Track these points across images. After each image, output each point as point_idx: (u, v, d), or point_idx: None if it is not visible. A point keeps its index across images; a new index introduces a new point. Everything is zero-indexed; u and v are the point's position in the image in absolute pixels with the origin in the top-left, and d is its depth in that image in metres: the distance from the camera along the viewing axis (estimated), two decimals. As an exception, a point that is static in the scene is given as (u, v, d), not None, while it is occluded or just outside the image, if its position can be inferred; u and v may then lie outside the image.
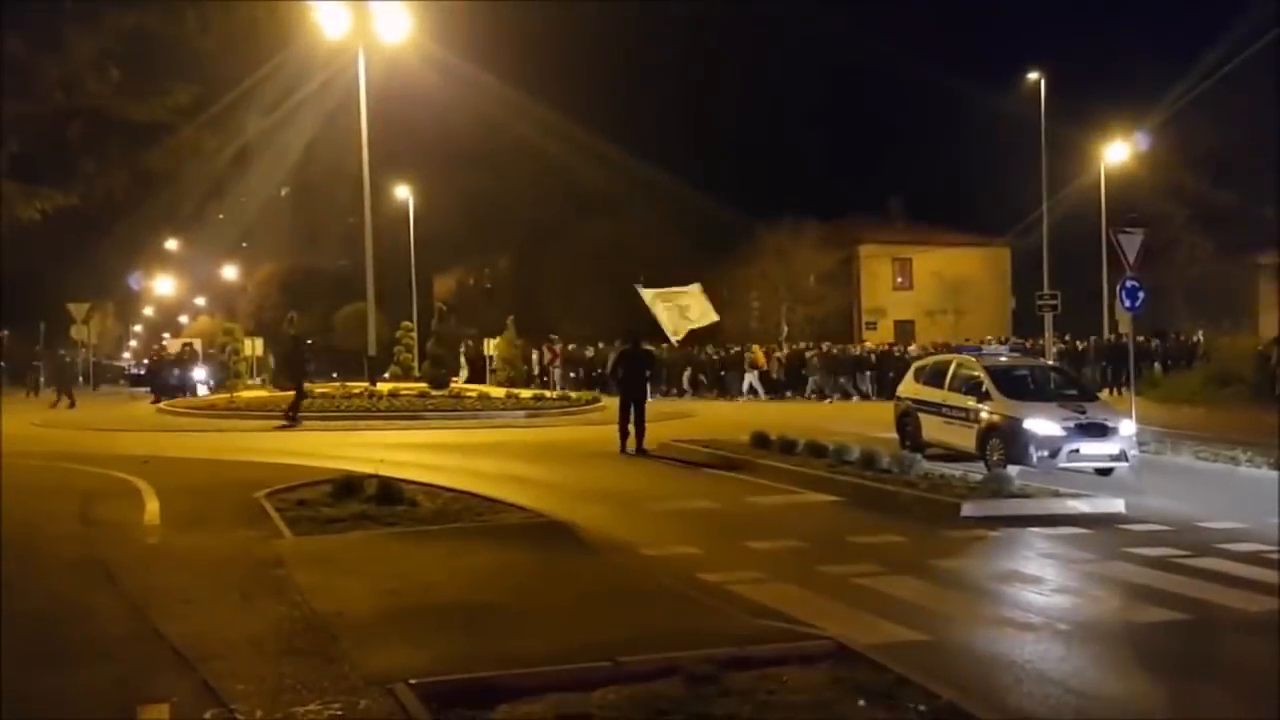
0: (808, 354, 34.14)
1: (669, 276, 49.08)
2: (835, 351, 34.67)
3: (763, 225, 46.08)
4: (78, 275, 43.26)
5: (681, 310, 25.64)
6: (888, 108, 71.14)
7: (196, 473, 13.67)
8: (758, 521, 10.68)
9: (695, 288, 25.16)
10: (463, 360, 39.12)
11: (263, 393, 29.85)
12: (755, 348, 34.67)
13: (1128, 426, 14.47)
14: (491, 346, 39.12)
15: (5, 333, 41.02)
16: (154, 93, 12.96)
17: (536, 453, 16.86)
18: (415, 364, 36.36)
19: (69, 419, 25.01)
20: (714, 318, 24.57)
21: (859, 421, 20.45)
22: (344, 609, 6.60)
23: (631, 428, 16.31)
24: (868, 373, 32.88)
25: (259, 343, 39.40)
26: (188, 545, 8.87)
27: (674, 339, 26.77)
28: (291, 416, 21.15)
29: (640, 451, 16.13)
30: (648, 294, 25.74)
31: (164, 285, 65.93)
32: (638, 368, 17.25)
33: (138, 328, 79.90)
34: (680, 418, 23.30)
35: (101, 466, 13.97)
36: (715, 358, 34.77)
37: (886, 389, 31.49)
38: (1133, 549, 9.33)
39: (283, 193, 66.37)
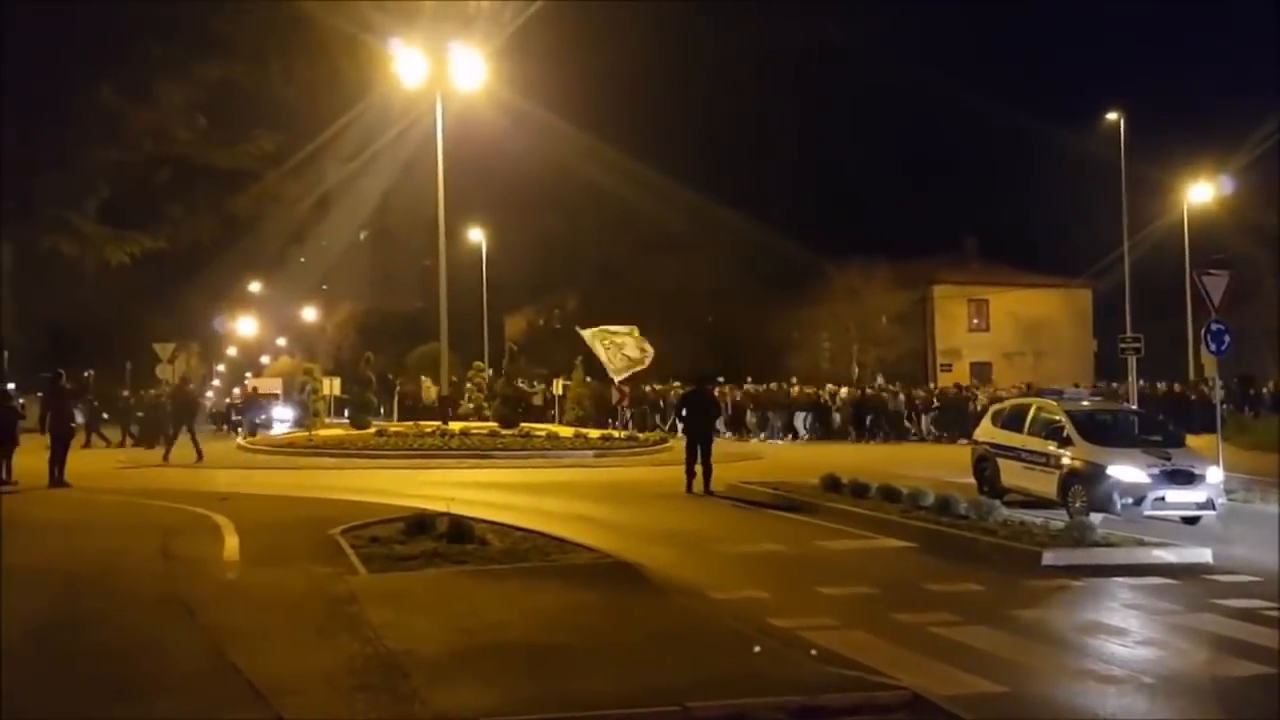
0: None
1: (736, 316, 49.16)
2: (756, 390, 35.16)
3: (833, 265, 45.84)
4: (165, 317, 44.68)
5: (619, 348, 26.88)
6: (962, 147, 70.78)
7: (274, 509, 13.93)
8: (829, 566, 10.52)
9: (630, 329, 26.40)
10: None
11: (339, 431, 30.37)
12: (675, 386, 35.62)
13: (1215, 474, 13.99)
14: (560, 387, 39.43)
15: (91, 372, 42.36)
16: (239, 141, 13.36)
17: (604, 493, 16.87)
18: (486, 404, 36.78)
19: (152, 457, 25.70)
20: (650, 355, 25.69)
21: (934, 465, 20.09)
22: (415, 646, 6.64)
23: (699, 468, 16.28)
24: (802, 414, 33.08)
25: (337, 382, 40.18)
26: (265, 581, 9.03)
27: (616, 379, 27.70)
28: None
29: (707, 493, 16.06)
30: (587, 334, 26.83)
31: (246, 326, 67.74)
32: (703, 410, 17.26)
33: (221, 367, 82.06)
34: (748, 459, 23.13)
35: (182, 503, 14.31)
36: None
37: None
38: (1220, 600, 9.02)
39: (361, 237, 67.99)
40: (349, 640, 6.87)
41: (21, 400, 22.13)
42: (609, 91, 51.34)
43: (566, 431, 29.21)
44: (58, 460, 17.12)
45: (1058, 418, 14.86)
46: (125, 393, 36.42)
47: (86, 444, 28.90)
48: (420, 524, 10.73)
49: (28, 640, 7.08)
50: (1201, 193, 35.32)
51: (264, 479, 19.47)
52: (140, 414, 31.99)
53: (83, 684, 6.16)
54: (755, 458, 24.30)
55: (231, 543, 10.90)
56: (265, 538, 11.15)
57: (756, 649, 6.84)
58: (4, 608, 7.58)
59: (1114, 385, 30.01)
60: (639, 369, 27.64)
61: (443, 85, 26.14)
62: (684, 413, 17.55)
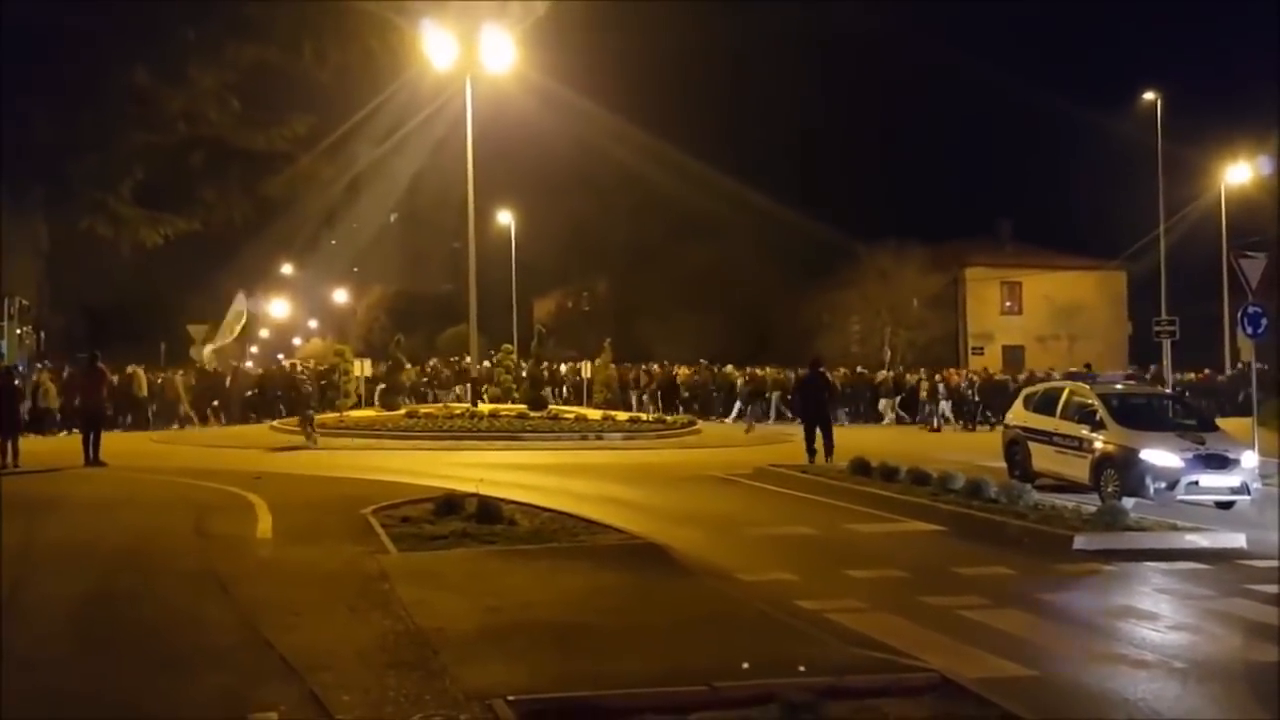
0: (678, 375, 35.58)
1: (767, 298, 48.81)
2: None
3: (864, 247, 45.50)
4: (199, 298, 45.13)
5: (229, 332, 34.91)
6: (997, 129, 69.98)
7: (306, 489, 14.08)
8: (857, 549, 10.50)
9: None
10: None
11: (371, 412, 30.58)
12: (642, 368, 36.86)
13: (1250, 458, 13.82)
14: (589, 369, 39.42)
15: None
16: (272, 123, 13.45)
17: (632, 475, 16.90)
18: (513, 386, 36.87)
19: (188, 436, 26.04)
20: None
21: (964, 449, 19.97)
22: (445, 624, 6.71)
23: (819, 445, 17.36)
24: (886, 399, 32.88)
25: (368, 364, 40.42)
26: (298, 559, 9.14)
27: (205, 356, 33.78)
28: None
29: (828, 460, 16.92)
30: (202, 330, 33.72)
31: (279, 308, 68.24)
32: (817, 394, 18.26)
33: (254, 349, 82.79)
34: (779, 442, 23.08)
35: (216, 481, 14.50)
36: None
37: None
38: (1254, 586, 8.93)
39: (392, 219, 68.23)
40: (380, 617, 6.96)
41: (18, 381, 20.99)
42: (640, 74, 51.12)
43: (595, 414, 29.25)
44: (93, 440, 17.37)
45: (1091, 401, 14.72)
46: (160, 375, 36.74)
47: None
48: (450, 504, 10.82)
49: (71, 615, 7.23)
50: (1239, 174, 34.72)
51: (295, 459, 19.66)
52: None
53: (122, 657, 6.29)
54: (786, 440, 24.24)
55: (265, 521, 11.04)
56: (298, 516, 11.28)
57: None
58: (42, 583, 7.73)
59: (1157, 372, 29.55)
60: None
61: (473, 68, 26.11)
62: (799, 400, 18.45)
